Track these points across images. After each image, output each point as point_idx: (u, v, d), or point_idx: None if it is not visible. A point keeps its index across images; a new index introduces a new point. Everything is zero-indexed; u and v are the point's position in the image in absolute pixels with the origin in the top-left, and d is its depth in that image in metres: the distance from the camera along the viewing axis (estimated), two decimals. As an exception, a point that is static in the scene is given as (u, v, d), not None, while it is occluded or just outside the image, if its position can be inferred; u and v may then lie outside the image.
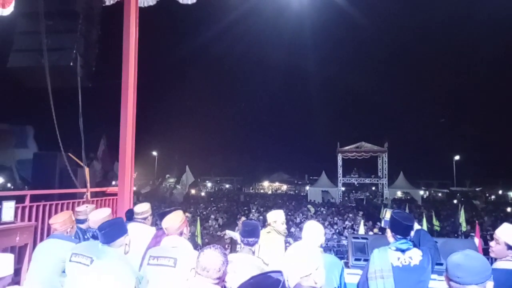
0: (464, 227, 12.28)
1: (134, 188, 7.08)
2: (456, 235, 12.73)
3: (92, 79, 5.66)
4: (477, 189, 39.93)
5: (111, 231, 2.58)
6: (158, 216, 3.59)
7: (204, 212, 15.87)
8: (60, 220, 3.18)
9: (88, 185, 5.48)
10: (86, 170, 5.54)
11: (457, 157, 40.57)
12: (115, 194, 6.00)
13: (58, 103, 4.99)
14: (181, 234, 2.90)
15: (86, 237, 3.37)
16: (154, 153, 41.67)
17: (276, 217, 3.80)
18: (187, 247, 2.71)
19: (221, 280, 2.02)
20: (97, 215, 3.20)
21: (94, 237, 2.88)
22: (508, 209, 23.44)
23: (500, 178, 41.86)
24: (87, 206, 3.75)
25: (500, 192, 39.71)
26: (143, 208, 3.76)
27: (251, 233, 2.79)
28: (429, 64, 47.31)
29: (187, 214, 13.21)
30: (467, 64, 47.05)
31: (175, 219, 2.96)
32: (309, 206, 19.95)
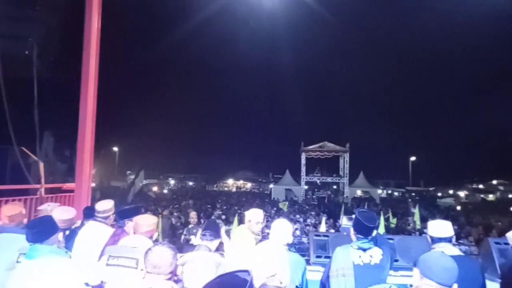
0: (418, 225, 12.93)
1: (93, 185, 6.81)
2: (410, 232, 13.39)
3: (51, 70, 5.37)
4: (430, 188, 42.24)
5: (44, 229, 2.44)
6: (117, 214, 3.50)
7: (163, 213, 15.56)
8: (11, 213, 3.01)
9: (43, 180, 5.21)
10: (41, 165, 5.26)
11: (413, 158, 42.65)
12: (72, 191, 5.75)
13: (11, 94, 4.69)
14: (150, 237, 2.85)
15: None
16: (115, 148, 40.31)
17: (251, 216, 3.80)
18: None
19: (173, 274, 2.05)
20: (63, 215, 3.05)
21: None
22: (458, 208, 25.00)
23: (451, 179, 44.70)
24: (48, 205, 3.57)
25: (450, 192, 42.20)
26: (106, 206, 3.55)
27: (208, 229, 2.83)
28: (391, 67, 49.29)
29: (148, 212, 12.90)
30: (427, 68, 49.53)
31: (150, 220, 2.91)
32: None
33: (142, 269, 2.02)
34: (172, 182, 48.17)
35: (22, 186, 5.24)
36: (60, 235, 2.54)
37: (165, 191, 34.28)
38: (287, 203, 18.55)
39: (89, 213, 3.91)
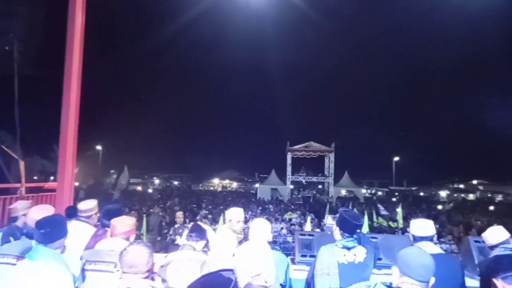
0: (401, 223, 13.14)
1: (76, 184, 6.69)
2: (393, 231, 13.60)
3: (33, 66, 5.24)
4: (413, 188, 43.02)
5: (52, 231, 2.38)
6: (102, 213, 3.45)
7: (151, 210, 15.40)
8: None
9: (23, 179, 5.08)
10: (21, 163, 5.14)
11: (396, 159, 43.36)
12: (54, 190, 5.63)
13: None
14: (127, 239, 2.81)
15: (18, 235, 3.12)
16: (99, 147, 39.63)
17: (231, 216, 3.82)
18: None
19: (150, 272, 2.03)
20: (39, 214, 2.98)
21: (29, 235, 2.68)
22: (439, 207, 25.54)
23: (433, 179, 45.68)
24: (19, 203, 3.49)
25: (432, 191, 43.09)
26: (88, 205, 3.51)
27: (194, 231, 2.87)
28: (376, 68, 50.00)
29: (132, 212, 12.74)
30: (411, 70, 50.39)
31: (127, 222, 2.87)
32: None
33: (118, 270, 1.99)
34: (157, 181, 47.65)
35: (1, 185, 5.11)
36: (66, 240, 2.49)
37: (150, 190, 33.88)
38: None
39: (71, 212, 3.85)
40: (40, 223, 2.39)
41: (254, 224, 3.04)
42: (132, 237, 2.90)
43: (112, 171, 38.52)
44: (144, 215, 11.18)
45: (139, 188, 33.46)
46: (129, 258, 1.96)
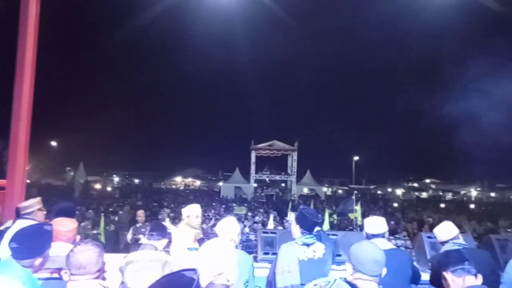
0: (359, 221, 13.62)
1: (28, 181, 6.33)
2: (352, 228, 14.08)
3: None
4: (371, 187, 44.76)
5: (23, 247, 2.06)
6: (55, 211, 3.31)
7: (110, 209, 14.86)
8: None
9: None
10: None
11: (356, 158, 44.91)
12: (3, 188, 5.29)
13: None
14: (73, 243, 2.66)
15: None
16: (54, 143, 37.65)
17: (189, 212, 3.88)
18: None
19: (101, 271, 1.97)
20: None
21: None
22: (395, 204, 26.72)
23: (390, 178, 47.81)
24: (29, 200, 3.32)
25: (389, 189, 45.06)
26: (28, 202, 3.39)
27: (154, 229, 2.82)
28: (338, 70, 51.34)
29: (90, 211, 12.23)
30: (369, 72, 52.27)
31: (69, 225, 2.74)
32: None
33: (66, 272, 1.90)
34: (116, 179, 46.06)
35: None
36: (37, 261, 2.14)
37: (109, 188, 32.67)
38: (244, 208, 18.15)
39: (18, 212, 3.65)
40: (19, 236, 2.11)
41: (222, 222, 3.03)
42: (78, 238, 2.78)
43: (68, 168, 36.81)
44: (102, 214, 10.79)
45: (98, 186, 32.16)
46: (77, 259, 1.88)
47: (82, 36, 45.69)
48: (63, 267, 2.23)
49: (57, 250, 2.47)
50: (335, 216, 15.66)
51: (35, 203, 3.40)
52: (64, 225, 2.73)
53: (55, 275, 2.29)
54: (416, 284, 3.07)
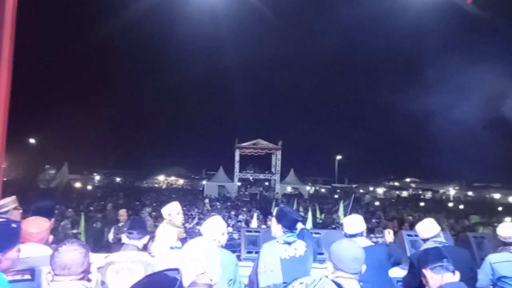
0: (342, 219, 13.79)
1: (4, 179, 6.14)
2: (335, 226, 14.24)
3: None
4: (353, 186, 45.43)
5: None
6: (32, 210, 3.22)
7: (91, 208, 14.57)
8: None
9: None
10: None
11: (339, 157, 45.48)
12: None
13: None
14: (46, 243, 2.57)
15: None
16: (32, 140, 36.61)
17: (170, 210, 3.87)
18: (45, 255, 2.27)
19: (86, 272, 1.90)
20: None
21: None
22: (377, 203, 27.21)
23: (371, 177, 48.66)
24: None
25: (371, 188, 45.82)
26: (2, 201, 3.22)
27: (133, 227, 2.76)
28: (322, 70, 51.76)
29: (69, 210, 11.97)
30: (353, 73, 52.93)
31: (41, 225, 2.61)
32: (206, 200, 19.92)
33: (49, 272, 1.84)
34: (97, 178, 45.18)
35: None
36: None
37: (90, 187, 32.03)
38: (207, 200, 19.06)
39: (-3, 211, 3.53)
40: None
41: (207, 221, 3.02)
42: (50, 238, 2.68)
43: (47, 166, 35.87)
44: (82, 213, 10.58)
45: (78, 184, 31.47)
46: (62, 259, 1.82)
47: (64, 33, 44.64)
48: (34, 268, 2.19)
49: (28, 251, 2.36)
50: (322, 216, 15.82)
51: (10, 202, 3.28)
52: (36, 226, 2.59)
53: (27, 276, 2.20)
54: (399, 265, 3.32)
